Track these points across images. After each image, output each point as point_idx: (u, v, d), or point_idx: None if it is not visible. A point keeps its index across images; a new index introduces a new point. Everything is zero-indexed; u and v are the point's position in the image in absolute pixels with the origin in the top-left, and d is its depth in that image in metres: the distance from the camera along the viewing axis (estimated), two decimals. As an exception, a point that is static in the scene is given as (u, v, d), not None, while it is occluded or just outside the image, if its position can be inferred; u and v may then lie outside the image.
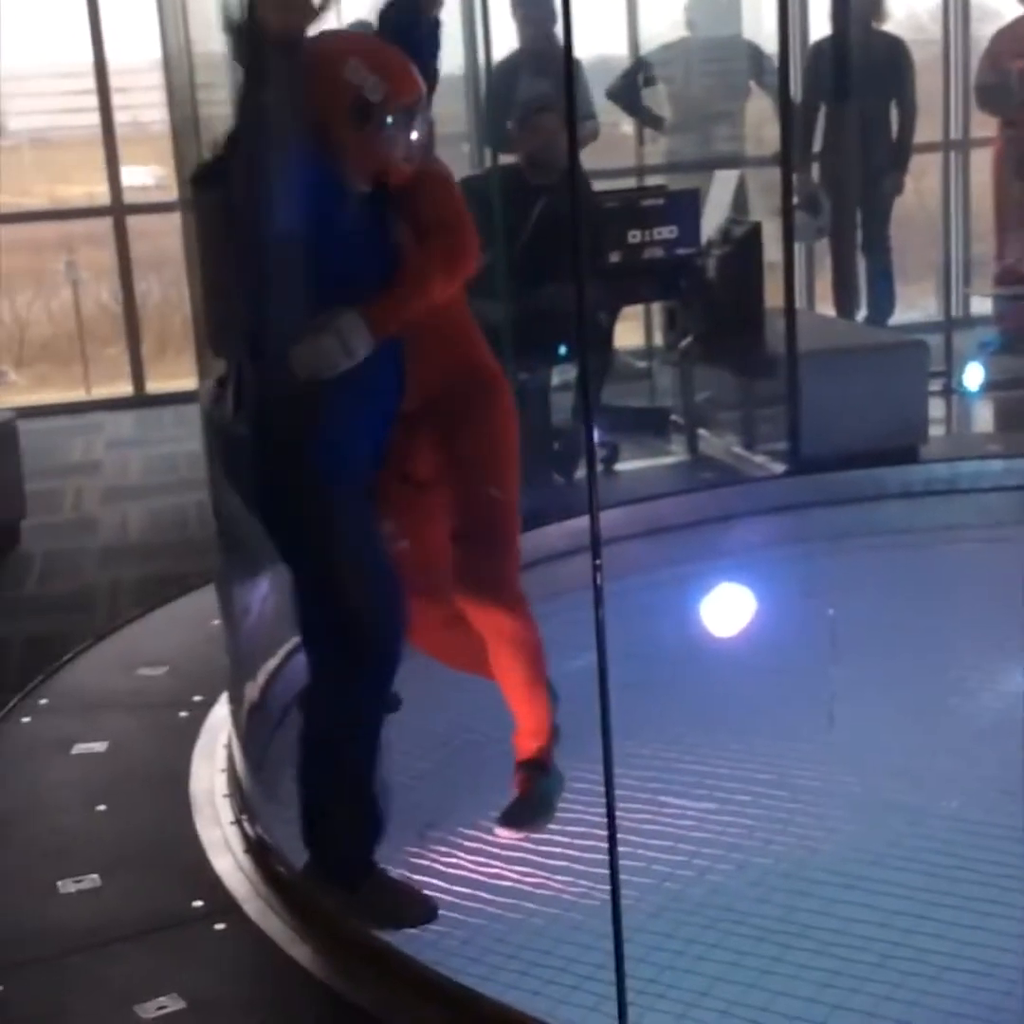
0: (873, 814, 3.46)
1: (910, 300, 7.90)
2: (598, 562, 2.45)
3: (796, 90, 7.55)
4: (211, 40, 3.09)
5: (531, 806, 3.45)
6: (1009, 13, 7.60)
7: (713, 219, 6.16)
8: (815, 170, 7.47)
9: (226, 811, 3.41)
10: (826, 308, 7.69)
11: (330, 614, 3.00)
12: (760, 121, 7.31)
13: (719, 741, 3.86)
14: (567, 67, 2.11)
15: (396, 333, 2.96)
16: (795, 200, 7.14)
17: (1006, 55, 7.52)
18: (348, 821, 3.10)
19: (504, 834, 3.42)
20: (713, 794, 3.57)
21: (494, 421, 3.32)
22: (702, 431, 6.26)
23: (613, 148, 7.70)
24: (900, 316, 7.79)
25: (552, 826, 3.46)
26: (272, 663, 3.84)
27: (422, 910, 3.11)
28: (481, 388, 3.32)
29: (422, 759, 3.86)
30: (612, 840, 2.38)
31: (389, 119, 2.93)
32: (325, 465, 2.93)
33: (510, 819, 3.44)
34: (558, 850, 3.35)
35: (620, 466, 6.00)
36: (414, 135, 2.98)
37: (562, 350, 5.55)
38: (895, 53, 7.43)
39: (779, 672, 4.22)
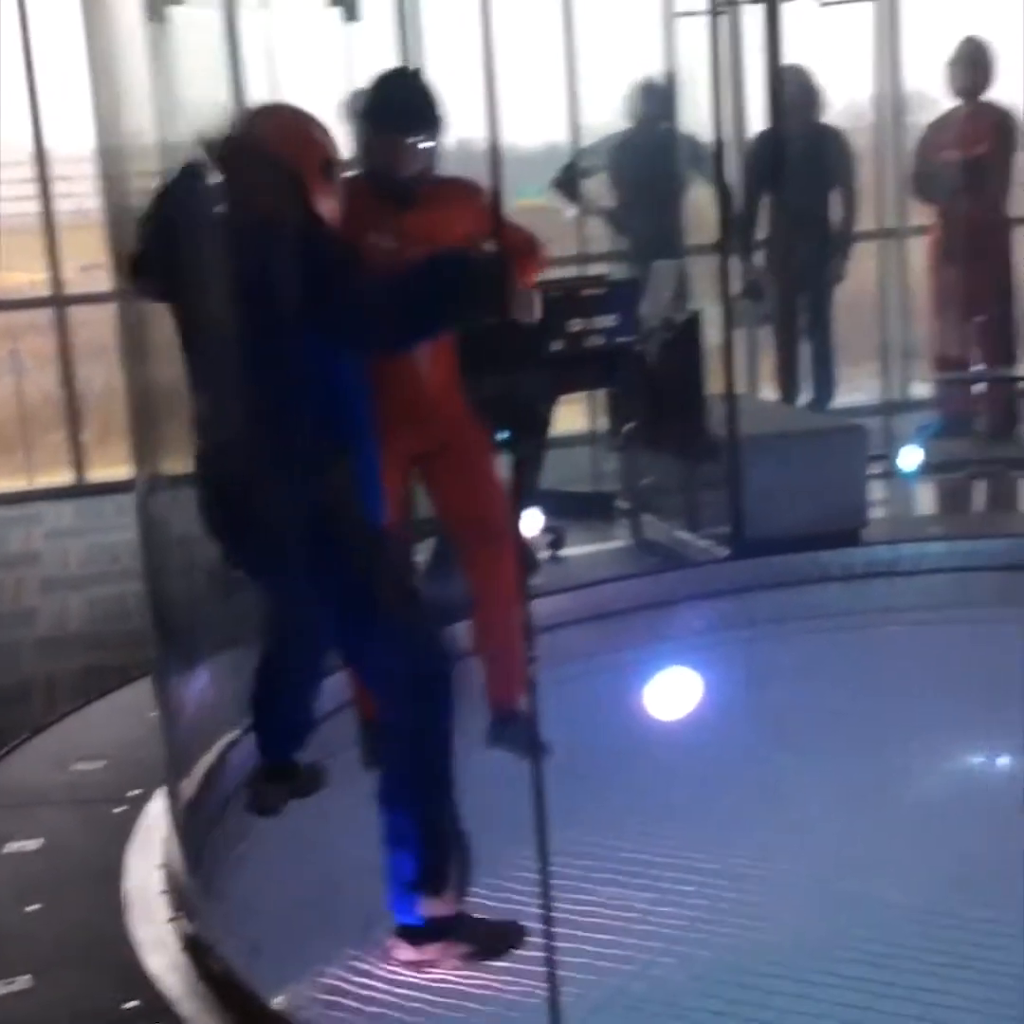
0: (816, 903, 3.44)
1: (857, 382, 7.98)
2: (533, 656, 2.44)
3: (738, 179, 7.70)
4: (145, 130, 3.15)
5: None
6: (946, 103, 7.75)
7: (654, 306, 6.20)
8: (760, 257, 7.57)
9: (162, 908, 3.34)
10: (769, 393, 7.76)
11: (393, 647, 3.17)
12: (701, 210, 7.40)
13: (663, 830, 3.85)
14: (495, 167, 2.12)
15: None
16: (739, 287, 7.26)
17: (939, 146, 7.67)
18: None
19: None
20: (656, 884, 3.55)
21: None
22: (646, 516, 6.28)
23: (565, 236, 7.80)
24: (845, 399, 7.86)
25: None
26: (209, 758, 3.80)
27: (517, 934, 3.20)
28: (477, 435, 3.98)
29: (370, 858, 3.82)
30: (549, 936, 2.35)
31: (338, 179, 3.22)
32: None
33: None
34: (500, 945, 3.30)
35: (565, 551, 6.00)
36: None
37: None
38: (834, 143, 7.56)
39: (723, 758, 4.20)
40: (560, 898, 3.36)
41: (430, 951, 3.22)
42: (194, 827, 3.54)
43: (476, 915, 3.27)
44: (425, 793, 3.19)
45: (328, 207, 3.18)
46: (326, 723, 4.57)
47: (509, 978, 3.18)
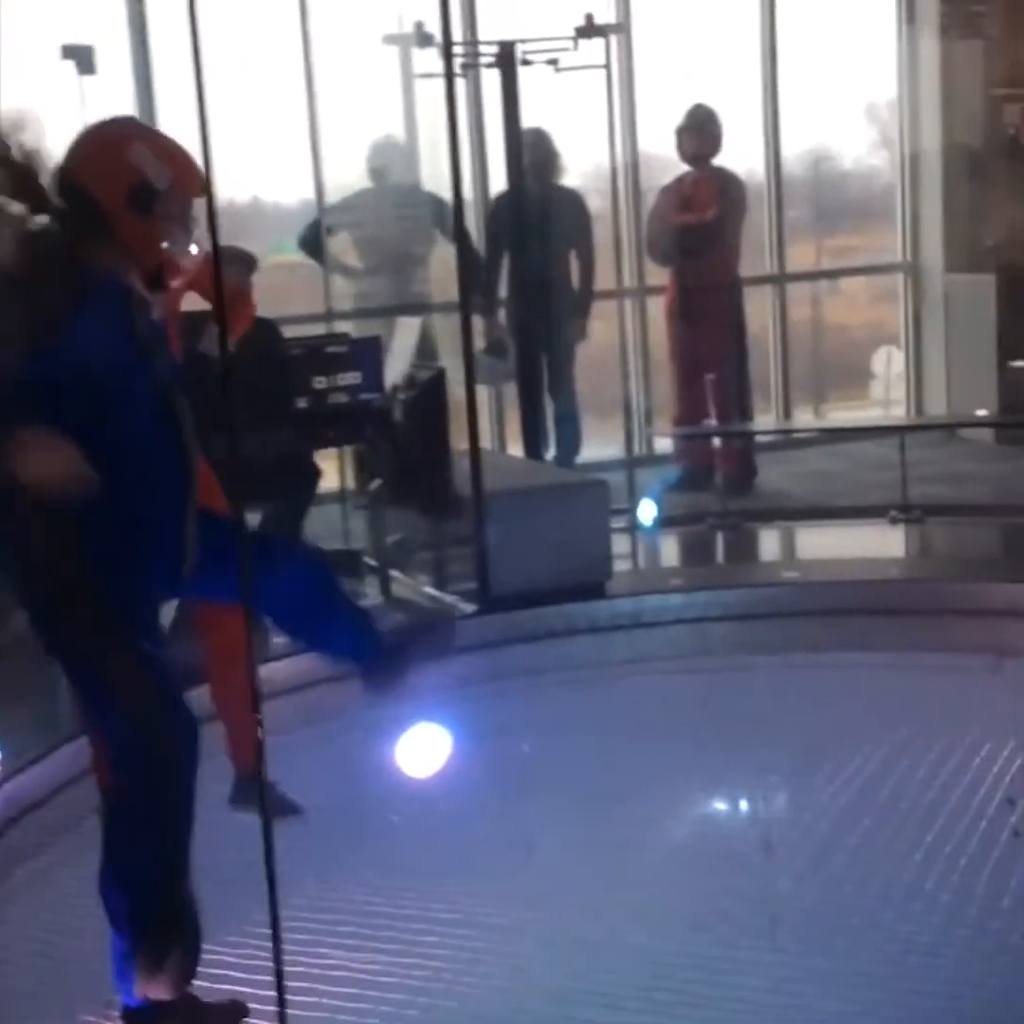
0: (559, 950, 3.46)
1: (608, 437, 8.14)
2: (259, 717, 2.42)
3: (480, 238, 7.83)
4: None
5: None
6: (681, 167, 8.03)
7: (399, 364, 6.25)
8: (503, 315, 7.70)
9: None
10: (517, 449, 7.87)
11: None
12: (446, 268, 7.50)
13: (410, 883, 3.83)
14: (211, 216, 2.12)
15: None
16: (484, 344, 7.37)
17: (669, 210, 7.94)
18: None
19: None
20: (401, 936, 3.54)
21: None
22: (394, 573, 6.29)
23: (313, 293, 7.83)
24: (594, 453, 8.03)
25: (235, 975, 3.35)
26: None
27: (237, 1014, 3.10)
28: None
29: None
30: (280, 990, 2.31)
31: (172, 209, 2.92)
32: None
33: None
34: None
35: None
36: (194, 231, 2.97)
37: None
38: (572, 205, 7.76)
39: (472, 811, 4.21)
40: (305, 952, 3.36)
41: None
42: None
43: (198, 998, 3.12)
44: (143, 871, 3.05)
45: (141, 237, 2.92)
46: (66, 792, 4.47)
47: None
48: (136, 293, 2.94)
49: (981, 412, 8.51)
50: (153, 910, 3.03)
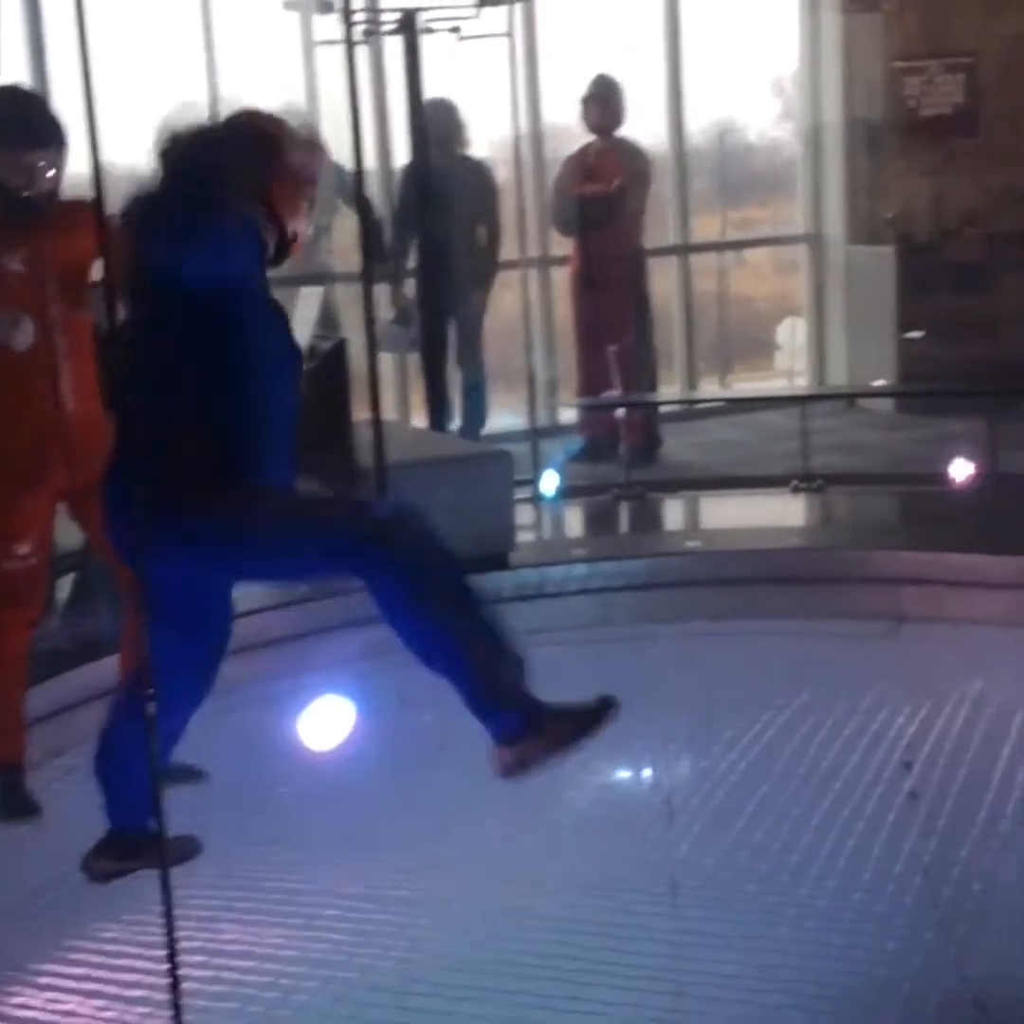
0: (459, 920, 3.48)
1: (513, 407, 8.14)
2: (150, 691, 2.40)
3: (384, 209, 7.78)
4: None
5: None
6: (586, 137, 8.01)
7: (300, 335, 6.18)
8: (410, 286, 7.65)
9: None
10: (423, 421, 7.84)
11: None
12: (349, 238, 7.44)
13: (311, 857, 3.83)
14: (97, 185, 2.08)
15: None
16: (393, 314, 7.34)
17: (573, 180, 7.93)
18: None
19: None
20: (302, 910, 3.54)
21: None
22: (297, 544, 6.23)
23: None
24: (498, 423, 8.02)
25: (131, 951, 3.32)
26: None
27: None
28: None
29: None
30: (172, 962, 2.29)
31: (307, 189, 3.20)
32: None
33: None
34: (135, 978, 3.22)
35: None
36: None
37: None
38: (477, 175, 7.73)
39: (373, 783, 4.21)
40: (204, 928, 3.35)
41: (526, 747, 3.08)
42: None
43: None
44: (466, 615, 3.13)
45: (287, 201, 3.17)
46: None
47: (147, 1010, 3.10)
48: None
49: (880, 382, 8.62)
50: (489, 636, 3.16)
